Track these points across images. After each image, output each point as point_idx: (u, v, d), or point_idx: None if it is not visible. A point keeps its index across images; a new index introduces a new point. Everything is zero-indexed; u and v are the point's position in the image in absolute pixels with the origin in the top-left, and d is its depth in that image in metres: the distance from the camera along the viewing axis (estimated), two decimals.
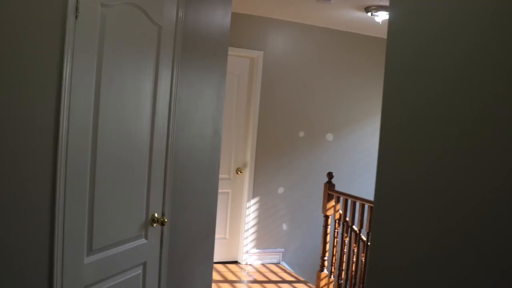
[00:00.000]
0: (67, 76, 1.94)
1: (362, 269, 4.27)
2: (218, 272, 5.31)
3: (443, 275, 1.25)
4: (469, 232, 1.17)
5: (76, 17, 1.96)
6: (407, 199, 1.40)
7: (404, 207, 1.41)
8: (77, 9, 1.96)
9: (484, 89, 1.16)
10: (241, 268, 5.57)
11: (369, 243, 4.11)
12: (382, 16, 4.75)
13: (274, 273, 5.51)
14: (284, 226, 5.93)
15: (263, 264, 5.76)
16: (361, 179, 6.16)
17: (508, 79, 1.10)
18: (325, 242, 4.91)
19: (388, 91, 1.52)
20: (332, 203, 4.84)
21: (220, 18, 3.13)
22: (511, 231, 1.06)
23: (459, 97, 1.23)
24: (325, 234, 4.91)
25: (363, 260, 4.26)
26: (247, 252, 5.76)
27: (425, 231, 1.32)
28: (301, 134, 5.94)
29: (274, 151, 5.80)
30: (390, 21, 1.53)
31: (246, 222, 5.72)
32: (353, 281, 4.47)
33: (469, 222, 1.18)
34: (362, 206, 4.37)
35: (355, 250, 4.48)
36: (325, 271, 4.96)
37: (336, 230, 4.82)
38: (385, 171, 1.51)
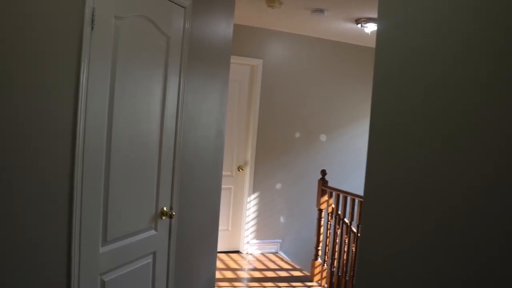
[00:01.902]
0: (84, 82, 1.95)
1: (353, 258, 4.27)
2: (222, 260, 5.31)
3: (427, 265, 1.25)
4: (451, 227, 1.17)
5: (92, 28, 1.97)
6: (394, 194, 1.40)
7: (391, 202, 1.41)
8: (93, 21, 1.97)
9: (464, 94, 1.16)
10: (242, 257, 5.57)
11: (359, 234, 4.11)
12: (371, 28, 4.75)
13: (273, 261, 5.51)
14: (282, 219, 5.93)
15: (262, 254, 5.76)
16: (352, 176, 6.16)
17: (485, 85, 1.10)
18: (319, 233, 4.92)
19: (377, 96, 1.52)
20: (325, 198, 4.84)
21: (223, 29, 3.13)
22: (490, 225, 1.07)
23: (441, 102, 1.23)
24: (319, 226, 4.91)
25: (354, 250, 4.26)
26: (247, 242, 5.76)
27: (410, 224, 1.32)
28: (297, 135, 5.94)
29: (273, 151, 5.80)
30: (378, 32, 1.53)
31: (247, 215, 5.72)
32: (344, 269, 4.48)
33: (450, 217, 1.18)
34: (353, 201, 4.37)
35: (346, 241, 4.48)
36: (319, 260, 4.96)
37: (329, 223, 4.82)
38: (373, 168, 1.52)
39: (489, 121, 1.08)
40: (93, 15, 1.96)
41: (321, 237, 4.93)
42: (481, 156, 1.10)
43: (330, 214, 4.82)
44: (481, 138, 1.10)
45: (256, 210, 5.79)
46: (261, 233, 5.84)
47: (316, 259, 4.96)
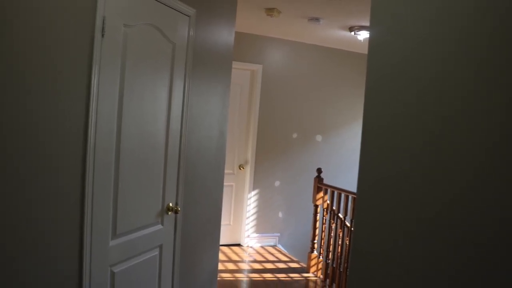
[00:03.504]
0: (95, 86, 1.95)
1: (346, 251, 4.27)
2: (224, 253, 5.31)
3: (418, 260, 1.25)
4: (442, 223, 1.17)
5: (102, 35, 1.97)
6: (385, 191, 1.40)
7: (382, 198, 1.41)
8: (103, 28, 1.97)
9: (453, 96, 1.16)
10: (243, 250, 5.57)
11: (352, 229, 4.11)
12: (363, 35, 4.75)
13: (271, 254, 5.50)
14: (280, 214, 5.93)
15: (262, 246, 5.76)
16: (346, 174, 6.15)
17: (472, 89, 1.10)
18: (315, 228, 4.91)
19: (369, 99, 1.52)
20: (321, 194, 4.84)
21: (225, 36, 3.13)
22: (480, 220, 1.07)
23: (431, 104, 1.23)
24: (315, 221, 4.91)
25: (347, 243, 4.26)
26: (248, 236, 5.75)
27: (400, 220, 1.32)
28: (295, 135, 5.94)
29: (272, 150, 5.80)
30: (370, 39, 1.53)
31: (248, 210, 5.71)
32: (339, 261, 4.47)
33: (442, 214, 1.18)
34: (347, 197, 4.37)
35: (341, 235, 4.48)
36: (315, 252, 4.96)
37: (324, 218, 4.82)
38: (366, 167, 1.52)
39: (477, 122, 1.08)
40: (103, 23, 1.96)
41: (317, 231, 4.93)
42: (470, 155, 1.10)
43: (325, 209, 4.81)
44: (472, 138, 1.10)
45: (256, 206, 5.78)
46: (261, 227, 5.84)
47: (312, 251, 4.96)
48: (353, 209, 4.03)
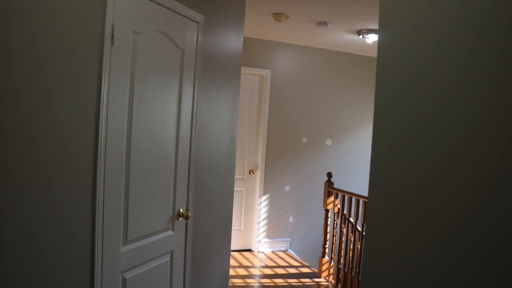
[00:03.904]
0: (105, 93, 1.95)
1: (358, 255, 4.23)
2: (235, 258, 5.29)
3: (430, 264, 1.23)
4: (456, 229, 1.15)
5: (112, 42, 1.98)
6: (398, 196, 1.38)
7: (395, 203, 1.39)
8: (112, 36, 1.98)
9: (471, 96, 1.14)
10: (254, 255, 5.54)
11: (363, 233, 4.08)
12: (372, 38, 4.73)
13: (282, 259, 5.47)
14: (291, 219, 5.90)
15: (273, 252, 5.73)
16: (356, 178, 6.11)
17: (491, 96, 1.08)
18: (326, 232, 4.88)
19: (379, 103, 1.50)
20: (332, 198, 4.80)
21: (234, 42, 3.13)
22: (492, 228, 1.04)
23: (442, 109, 1.21)
24: (326, 225, 4.87)
25: (359, 248, 4.22)
26: (259, 241, 5.73)
27: (414, 226, 1.30)
28: (304, 140, 5.92)
29: (281, 155, 5.78)
30: (379, 42, 1.51)
31: (258, 215, 5.69)
32: (350, 266, 4.43)
33: (456, 221, 1.15)
34: (357, 201, 4.33)
35: (352, 239, 4.44)
36: (326, 257, 4.92)
37: (335, 222, 4.78)
38: (377, 172, 1.50)
39: (493, 128, 1.05)
40: (112, 31, 1.97)
41: (328, 236, 4.90)
42: (485, 160, 1.07)
43: (336, 214, 4.78)
44: (488, 141, 1.08)
45: (267, 211, 5.76)
46: (272, 232, 5.81)
47: (323, 256, 4.92)
48: (364, 213, 3.99)
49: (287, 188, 5.85)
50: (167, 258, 2.54)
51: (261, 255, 5.57)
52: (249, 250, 5.70)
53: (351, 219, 4.49)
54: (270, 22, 4.58)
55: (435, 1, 1.25)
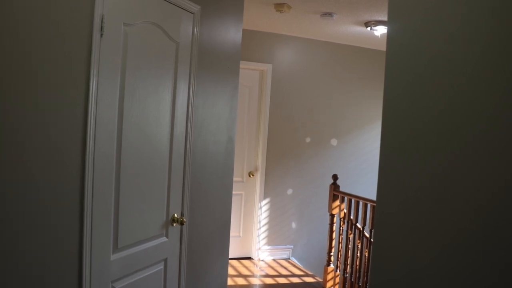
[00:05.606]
0: (94, 89, 1.96)
1: (366, 264, 4.23)
2: (233, 267, 5.30)
3: (446, 277, 1.23)
4: (466, 233, 1.15)
5: (101, 35, 1.98)
6: (408, 199, 1.38)
7: (405, 206, 1.39)
8: (102, 28, 1.98)
9: (487, 92, 1.14)
10: (254, 264, 5.55)
11: (372, 240, 4.08)
12: (380, 30, 4.73)
13: (285, 267, 5.48)
14: (293, 224, 5.90)
15: (274, 260, 5.74)
16: (363, 180, 6.11)
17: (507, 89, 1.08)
18: (331, 239, 4.88)
19: (388, 99, 1.50)
20: (337, 202, 4.81)
21: (232, 35, 3.13)
22: (506, 232, 1.04)
23: (456, 105, 1.21)
24: (331, 231, 4.87)
25: (367, 255, 4.22)
26: (259, 248, 5.73)
27: (426, 230, 1.30)
28: (308, 139, 5.92)
29: (283, 156, 5.79)
30: (388, 34, 1.52)
31: (258, 221, 5.70)
32: (357, 275, 4.43)
33: (464, 224, 1.15)
34: (365, 205, 4.33)
35: (359, 246, 4.44)
36: (332, 266, 4.92)
37: (341, 228, 4.79)
38: (386, 174, 1.50)
39: (507, 128, 1.05)
40: (102, 22, 1.97)
41: (334, 243, 4.90)
42: (503, 161, 1.07)
43: (342, 219, 4.78)
44: (506, 140, 1.08)
45: (267, 216, 5.77)
46: (273, 239, 5.81)
47: (328, 264, 4.92)
48: (373, 218, 3.99)
49: (290, 191, 5.85)
50: (160, 266, 2.54)
51: (261, 264, 5.57)
52: (249, 258, 5.70)
53: (358, 225, 4.49)
54: (271, 13, 4.58)
55: None
